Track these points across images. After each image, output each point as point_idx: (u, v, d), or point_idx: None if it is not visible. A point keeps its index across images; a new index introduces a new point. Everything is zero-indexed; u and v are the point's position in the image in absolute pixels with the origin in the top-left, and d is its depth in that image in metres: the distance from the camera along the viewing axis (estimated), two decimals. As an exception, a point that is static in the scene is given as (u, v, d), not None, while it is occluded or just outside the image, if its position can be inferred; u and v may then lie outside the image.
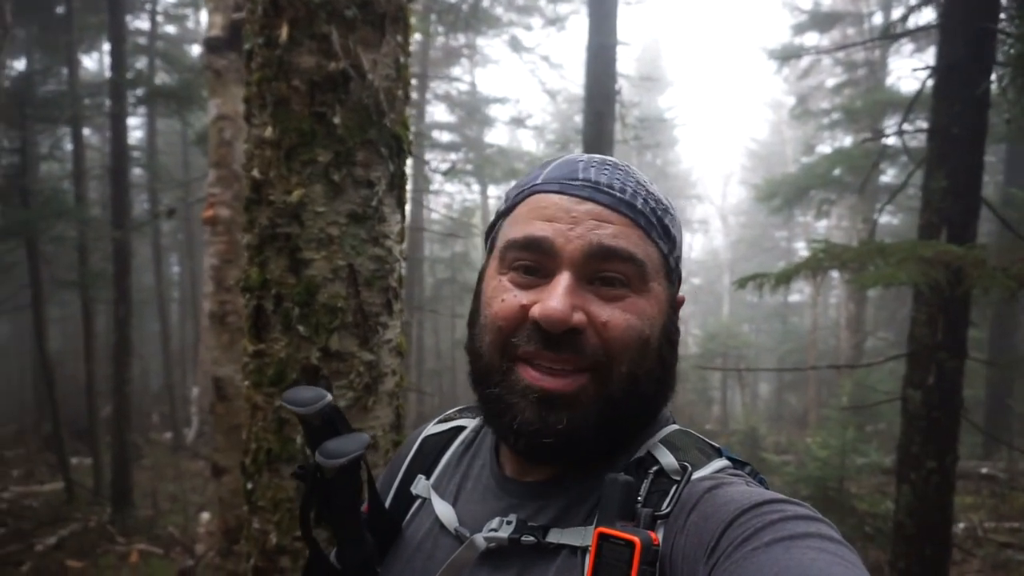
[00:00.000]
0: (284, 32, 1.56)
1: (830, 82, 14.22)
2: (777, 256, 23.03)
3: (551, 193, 0.67)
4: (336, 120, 1.59)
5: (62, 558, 6.94)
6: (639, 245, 0.66)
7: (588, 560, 0.59)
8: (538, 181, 0.69)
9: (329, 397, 0.71)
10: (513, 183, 0.76)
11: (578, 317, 0.63)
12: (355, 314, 1.64)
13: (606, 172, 0.68)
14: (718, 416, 19.06)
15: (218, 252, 4.18)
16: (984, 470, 8.70)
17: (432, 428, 0.89)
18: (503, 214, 0.72)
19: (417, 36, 12.07)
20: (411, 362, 12.80)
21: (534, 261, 0.66)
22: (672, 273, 0.71)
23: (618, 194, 0.66)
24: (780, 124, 24.22)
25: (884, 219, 14.74)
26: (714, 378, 19.74)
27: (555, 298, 0.62)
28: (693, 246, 30.94)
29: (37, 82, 9.23)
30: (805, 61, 12.02)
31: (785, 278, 3.28)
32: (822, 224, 19.62)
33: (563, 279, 0.64)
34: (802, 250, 22.30)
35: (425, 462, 0.85)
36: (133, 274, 9.20)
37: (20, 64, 10.37)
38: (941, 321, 3.57)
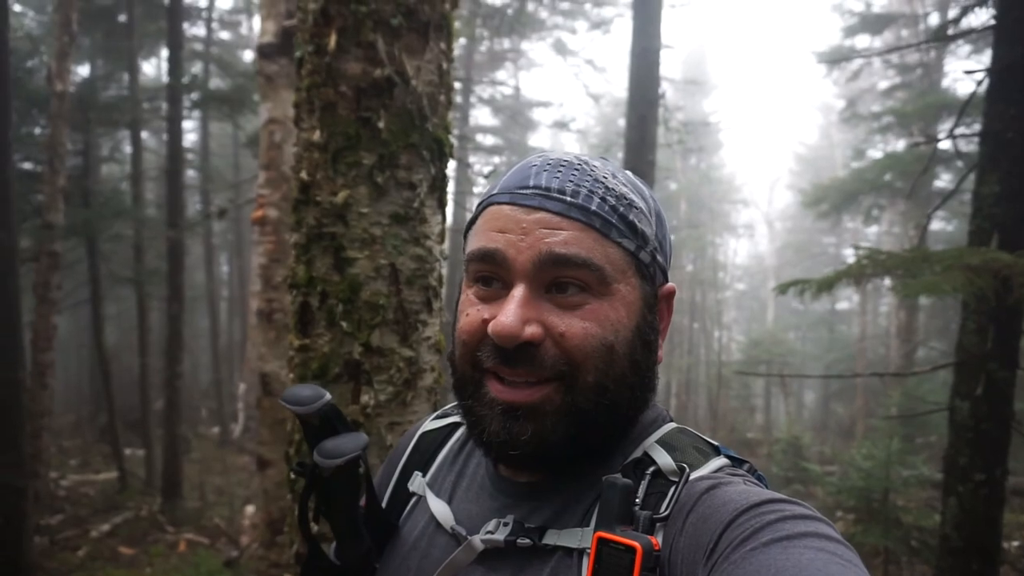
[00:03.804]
0: (332, 40, 1.63)
1: (882, 84, 13.87)
2: (824, 263, 22.51)
3: (503, 204, 0.66)
4: (381, 124, 1.65)
5: (115, 544, 7.22)
6: (594, 249, 0.63)
7: (587, 563, 0.59)
8: (494, 192, 0.69)
9: (328, 396, 0.71)
10: None
11: (531, 330, 0.62)
12: (396, 311, 1.69)
13: (558, 176, 0.66)
14: (761, 424, 18.72)
15: (266, 251, 4.31)
16: (1041, 487, 8.37)
17: (429, 424, 0.89)
18: (468, 226, 0.72)
19: (462, 40, 12.18)
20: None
21: (491, 272, 0.66)
22: (648, 268, 0.68)
23: (569, 199, 0.64)
24: (829, 128, 23.69)
25: (937, 225, 14.29)
26: (757, 385, 19.41)
27: (506, 314, 0.62)
28: (738, 251, 30.45)
29: (100, 87, 9.62)
30: (855, 64, 11.74)
31: (827, 285, 3.23)
32: (872, 230, 19.13)
33: (517, 292, 0.63)
34: (850, 257, 21.76)
35: (422, 458, 0.84)
36: (185, 272, 9.50)
37: (84, 70, 10.83)
38: (991, 330, 3.47)
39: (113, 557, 6.92)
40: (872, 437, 8.33)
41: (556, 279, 0.64)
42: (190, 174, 13.13)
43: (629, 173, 0.72)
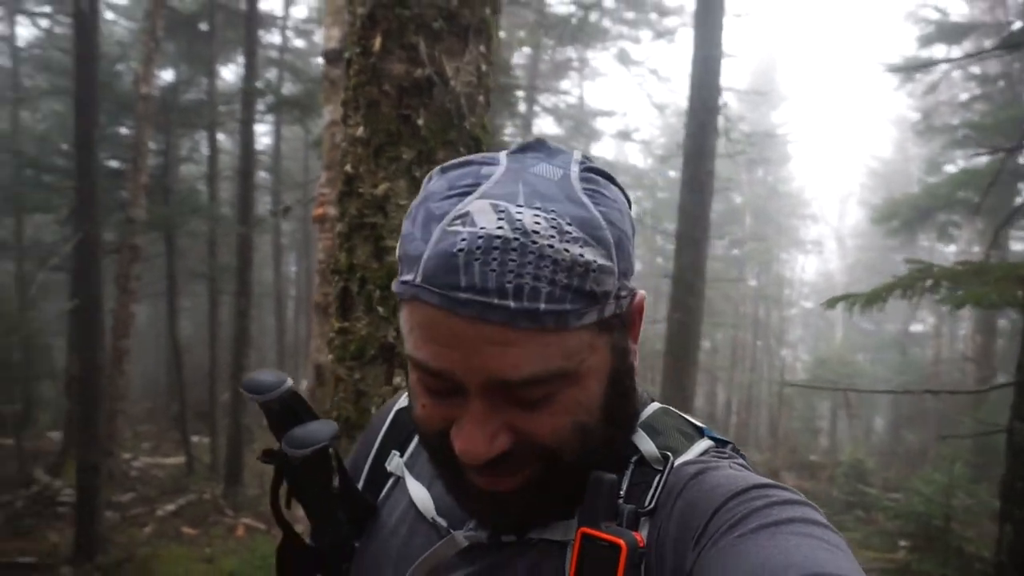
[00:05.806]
0: (378, 42, 1.74)
1: (962, 96, 13.29)
2: (897, 281, 21.62)
3: (432, 307, 0.54)
4: (420, 122, 1.75)
5: (179, 524, 7.60)
6: (551, 354, 0.55)
7: (570, 558, 0.58)
8: (416, 279, 0.55)
9: (289, 382, 0.68)
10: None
11: (500, 443, 0.57)
12: (429, 299, 1.78)
13: (494, 266, 0.52)
14: (825, 447, 18.10)
15: (326, 248, 4.49)
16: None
17: (404, 401, 0.82)
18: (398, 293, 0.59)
19: (526, 49, 12.32)
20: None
21: (442, 386, 0.58)
22: (614, 319, 0.59)
23: (512, 304, 0.52)
24: (904, 141, 22.80)
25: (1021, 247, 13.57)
26: (823, 407, 18.76)
27: (470, 438, 0.56)
28: (806, 267, 29.60)
29: (181, 91, 10.18)
30: (933, 75, 11.31)
31: (875, 298, 3.15)
32: (950, 249, 18.28)
33: (474, 408, 0.56)
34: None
35: (399, 437, 0.80)
36: (254, 269, 9.93)
37: (168, 75, 11.46)
38: (1057, 350, 3.32)
39: (177, 536, 7.29)
40: (941, 465, 7.99)
41: (514, 394, 0.56)
42: (262, 175, 13.68)
43: (582, 195, 0.56)
